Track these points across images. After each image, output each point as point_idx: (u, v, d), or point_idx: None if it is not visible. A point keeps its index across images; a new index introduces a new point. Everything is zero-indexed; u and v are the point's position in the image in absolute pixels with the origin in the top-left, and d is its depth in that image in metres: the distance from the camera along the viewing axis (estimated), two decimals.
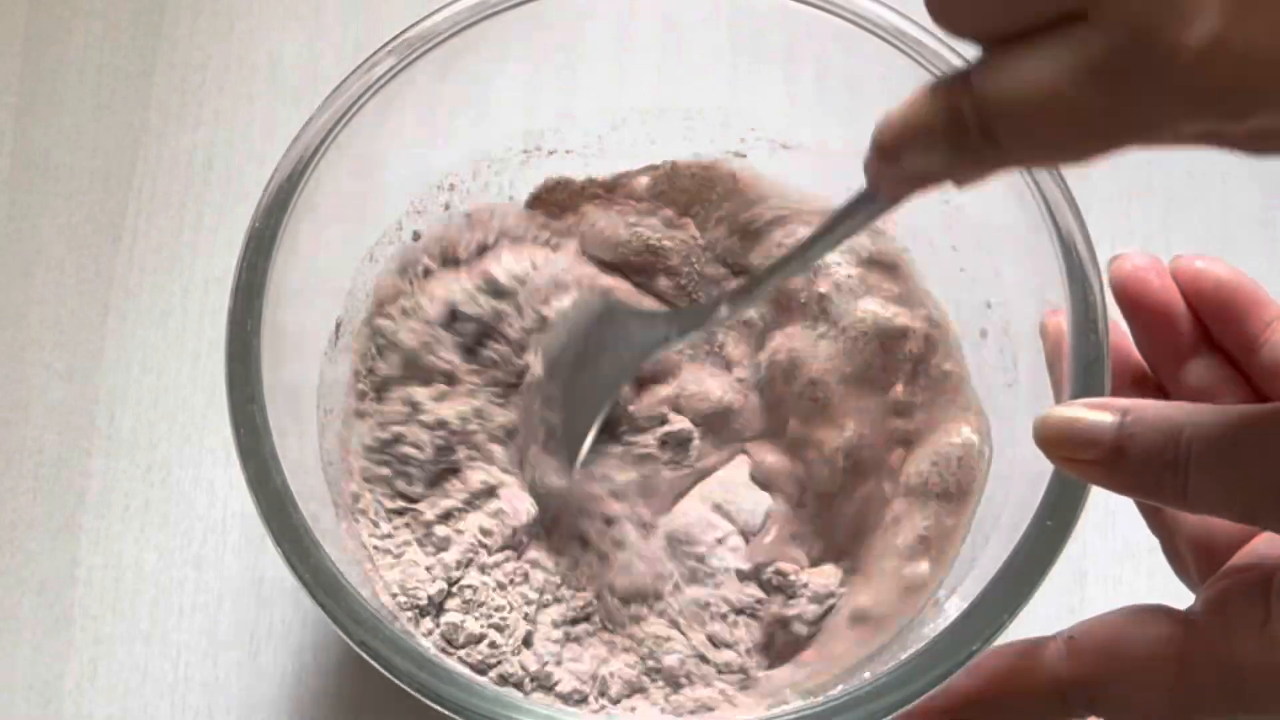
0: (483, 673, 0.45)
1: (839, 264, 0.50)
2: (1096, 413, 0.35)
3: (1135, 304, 0.41)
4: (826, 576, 0.49)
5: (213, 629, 0.52)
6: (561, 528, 0.49)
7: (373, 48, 0.45)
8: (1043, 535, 0.39)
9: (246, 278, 0.42)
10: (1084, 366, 0.40)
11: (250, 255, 0.42)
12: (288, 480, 0.40)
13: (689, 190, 0.52)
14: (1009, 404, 0.47)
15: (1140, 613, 0.38)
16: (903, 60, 0.45)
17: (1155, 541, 0.42)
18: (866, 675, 0.39)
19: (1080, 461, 0.35)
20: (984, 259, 0.47)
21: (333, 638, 0.52)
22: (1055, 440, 0.36)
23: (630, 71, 0.50)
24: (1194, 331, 0.41)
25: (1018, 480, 0.44)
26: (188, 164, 0.59)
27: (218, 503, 0.54)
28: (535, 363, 0.49)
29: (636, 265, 0.52)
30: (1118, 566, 0.52)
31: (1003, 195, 0.44)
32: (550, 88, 0.50)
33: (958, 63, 0.44)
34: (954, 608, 0.42)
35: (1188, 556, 0.41)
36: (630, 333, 0.47)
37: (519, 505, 0.48)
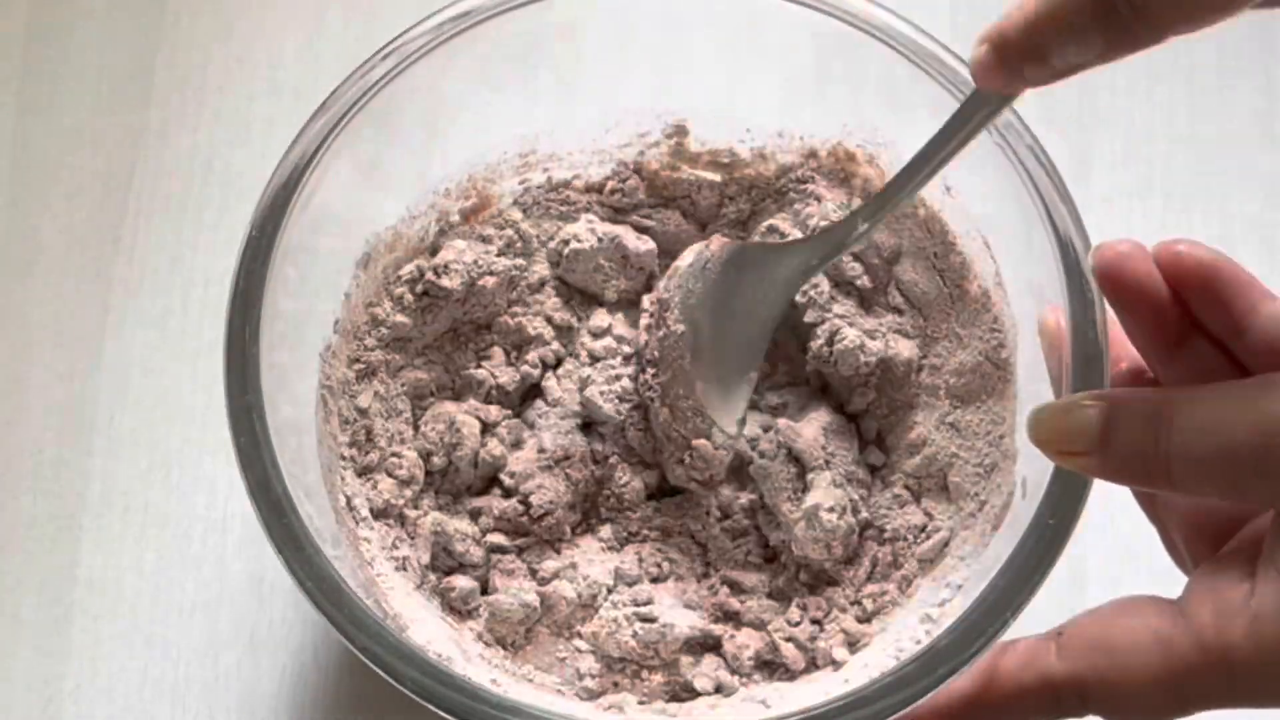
0: None
1: None
2: (1084, 405, 0.35)
3: (1118, 290, 0.40)
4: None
5: (213, 629, 0.52)
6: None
7: (372, 48, 0.45)
8: (1043, 535, 0.39)
9: (244, 284, 0.42)
10: (1083, 363, 0.40)
11: (247, 262, 0.42)
12: (288, 487, 0.40)
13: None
14: None
15: (1129, 603, 0.38)
16: (901, 62, 0.45)
17: (1156, 542, 0.42)
18: (866, 679, 0.39)
19: (1072, 454, 0.36)
20: (983, 257, 0.48)
21: (333, 637, 0.51)
22: (1047, 435, 0.36)
23: (628, 73, 0.50)
24: (1180, 318, 0.40)
25: (1017, 478, 0.44)
26: (188, 164, 0.58)
27: (218, 503, 0.54)
28: (674, 319, 0.48)
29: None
30: (1118, 566, 0.52)
31: (1001, 195, 0.44)
32: (548, 90, 0.50)
33: (955, 64, 0.44)
34: (955, 608, 0.42)
35: (1180, 544, 0.41)
36: (769, 269, 0.47)
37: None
